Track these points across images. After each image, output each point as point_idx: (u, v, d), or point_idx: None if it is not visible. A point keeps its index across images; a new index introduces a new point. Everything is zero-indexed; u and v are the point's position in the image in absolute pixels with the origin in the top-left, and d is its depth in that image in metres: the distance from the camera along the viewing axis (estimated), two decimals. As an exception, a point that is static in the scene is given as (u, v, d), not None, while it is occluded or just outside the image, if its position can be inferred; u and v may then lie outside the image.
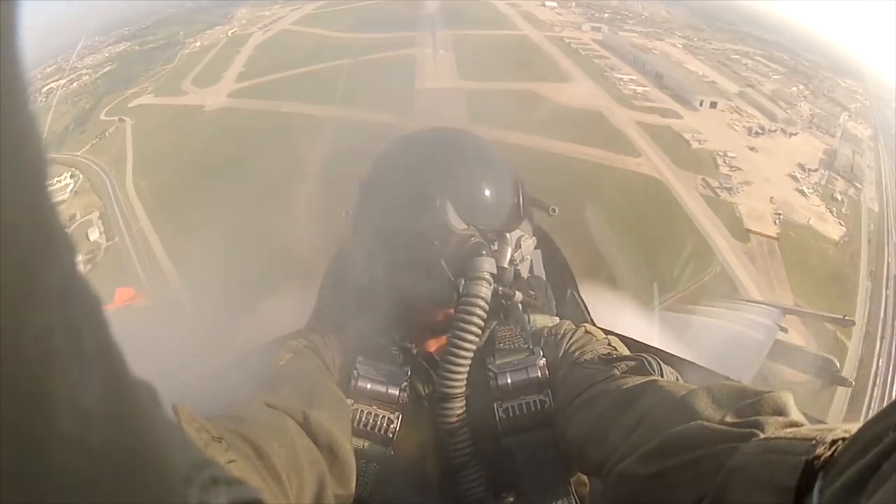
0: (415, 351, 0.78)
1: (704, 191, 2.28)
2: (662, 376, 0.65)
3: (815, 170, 3.17)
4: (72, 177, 3.62)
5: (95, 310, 0.16)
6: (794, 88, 3.14)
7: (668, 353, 0.88)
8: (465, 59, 2.81)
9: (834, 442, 0.36)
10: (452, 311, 0.71)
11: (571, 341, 0.77)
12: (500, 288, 0.76)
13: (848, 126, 2.94)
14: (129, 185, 2.78)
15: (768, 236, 2.78)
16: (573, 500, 0.74)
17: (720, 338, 2.41)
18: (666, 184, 1.75)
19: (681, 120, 2.20)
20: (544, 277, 1.00)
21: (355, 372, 0.74)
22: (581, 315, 1.02)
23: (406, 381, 0.75)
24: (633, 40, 3.12)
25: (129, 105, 3.10)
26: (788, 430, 0.43)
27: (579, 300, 1.04)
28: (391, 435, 0.73)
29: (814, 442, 0.36)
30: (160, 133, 2.83)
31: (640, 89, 2.33)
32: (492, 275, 0.72)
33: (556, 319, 0.84)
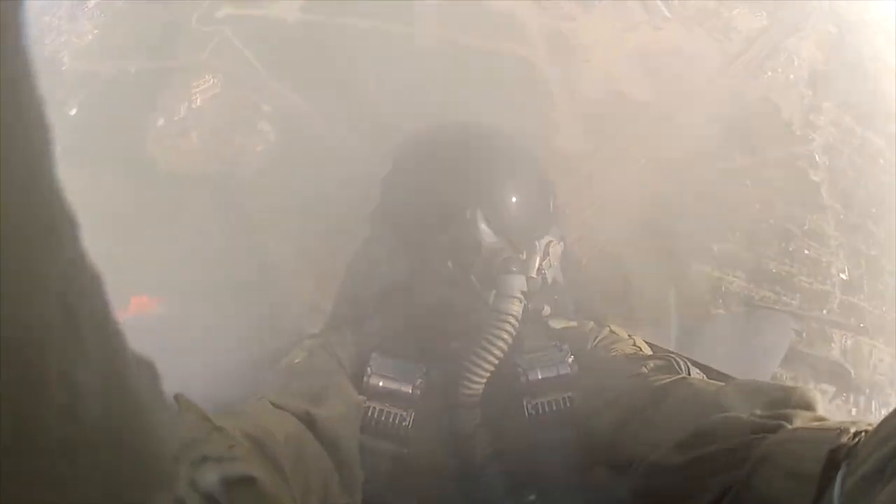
0: (434, 347, 0.87)
1: (561, 69, 2.98)
2: (690, 375, 0.75)
3: (655, 56, 3.70)
4: (213, 77, 4.21)
5: (95, 288, 0.19)
6: None
7: (689, 357, 0.89)
8: None
9: (857, 433, 0.44)
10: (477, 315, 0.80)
11: (597, 339, 0.88)
12: (530, 304, 0.85)
13: (737, 18, 3.56)
14: (274, 83, 3.31)
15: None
16: (594, 499, 0.80)
17: (734, 342, 2.55)
18: (537, 63, 2.62)
19: (572, 22, 2.95)
20: (562, 280, 1.00)
21: (369, 369, 0.83)
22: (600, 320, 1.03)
23: (421, 378, 0.83)
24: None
25: (216, 15, 3.60)
26: (814, 423, 0.53)
27: (598, 307, 1.06)
28: (403, 433, 0.81)
29: (838, 432, 0.45)
30: (263, 42, 3.31)
31: None
32: (523, 292, 0.81)
33: (575, 323, 0.93)
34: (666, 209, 2.56)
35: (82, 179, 3.37)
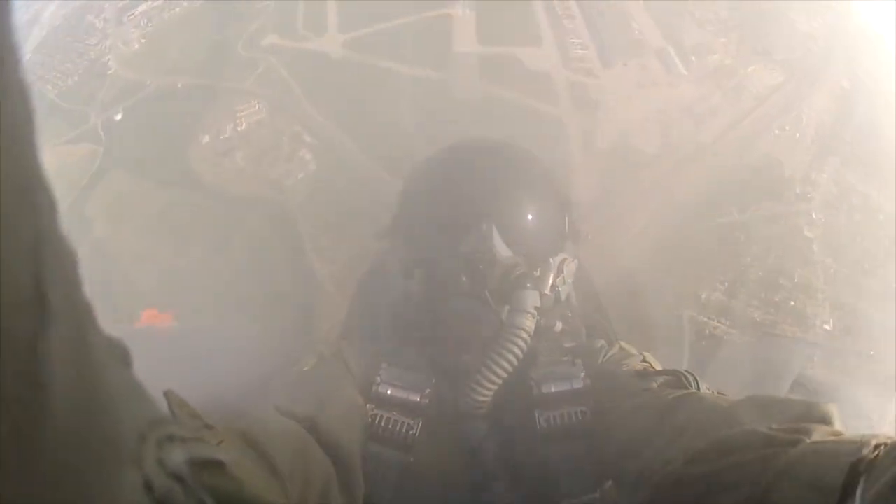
0: (444, 359, 0.87)
1: (581, 124, 3.19)
2: (699, 390, 0.74)
3: (668, 113, 3.88)
4: (258, 103, 4.31)
5: (68, 268, 0.19)
6: (723, 39, 3.82)
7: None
8: (483, 22, 3.59)
9: (877, 446, 0.43)
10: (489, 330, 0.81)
11: (608, 356, 0.89)
12: (542, 320, 0.87)
13: (752, 76, 3.76)
14: (316, 115, 3.42)
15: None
16: None
17: (746, 367, 2.62)
18: (562, 119, 2.88)
19: (596, 79, 3.19)
20: (574, 297, 1.02)
21: (378, 378, 0.84)
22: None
23: (429, 388, 0.83)
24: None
25: (262, 43, 3.74)
26: (833, 437, 0.52)
27: (608, 326, 1.08)
28: (410, 442, 0.81)
29: (859, 445, 0.44)
30: (306, 75, 3.40)
31: (581, 52, 3.27)
32: (536, 308, 0.83)
33: (585, 340, 0.96)
34: (662, 258, 2.81)
35: (124, 183, 3.71)
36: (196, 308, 2.71)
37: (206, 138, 3.50)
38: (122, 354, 0.24)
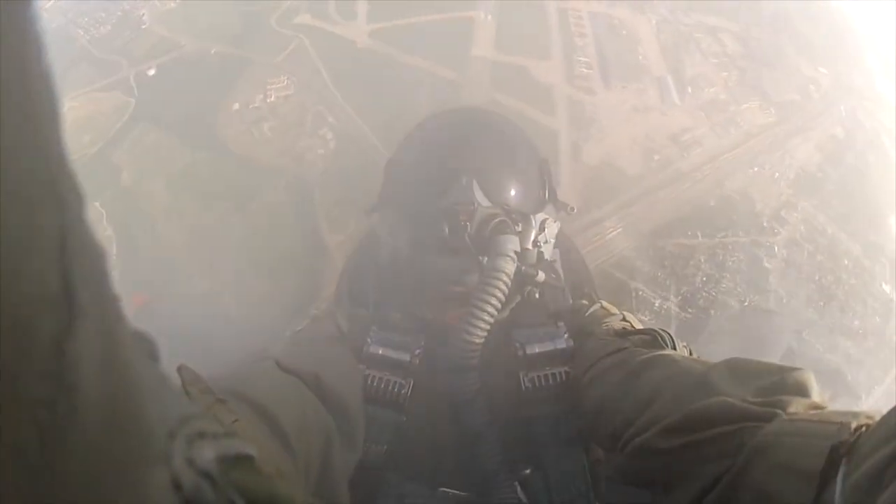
0: (431, 318, 0.89)
1: (574, 139, 3.40)
2: (675, 350, 0.75)
3: (655, 138, 4.07)
4: (287, 79, 4.07)
5: (96, 262, 0.19)
6: (725, 73, 4.09)
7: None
8: (502, 29, 3.77)
9: (857, 428, 0.42)
10: (474, 285, 0.82)
11: (587, 315, 0.90)
12: (524, 266, 0.88)
13: (744, 113, 4.04)
14: (336, 94, 3.40)
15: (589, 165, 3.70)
16: (588, 476, 0.83)
17: (732, 340, 2.78)
18: (558, 131, 3.15)
19: (594, 96, 3.46)
20: (559, 261, 1.04)
21: (369, 339, 0.86)
22: None
23: (419, 348, 0.86)
24: (618, 13, 3.85)
25: (294, 21, 3.73)
26: (812, 412, 0.51)
27: (591, 286, 1.10)
28: (402, 401, 0.83)
29: (839, 427, 0.43)
30: (333, 57, 3.37)
31: (586, 71, 3.54)
32: (516, 253, 0.83)
33: (571, 302, 0.99)
34: (623, 268, 3.20)
35: (153, 137, 4.01)
36: (212, 265, 2.98)
37: (237, 105, 3.74)
38: (149, 348, 0.25)
